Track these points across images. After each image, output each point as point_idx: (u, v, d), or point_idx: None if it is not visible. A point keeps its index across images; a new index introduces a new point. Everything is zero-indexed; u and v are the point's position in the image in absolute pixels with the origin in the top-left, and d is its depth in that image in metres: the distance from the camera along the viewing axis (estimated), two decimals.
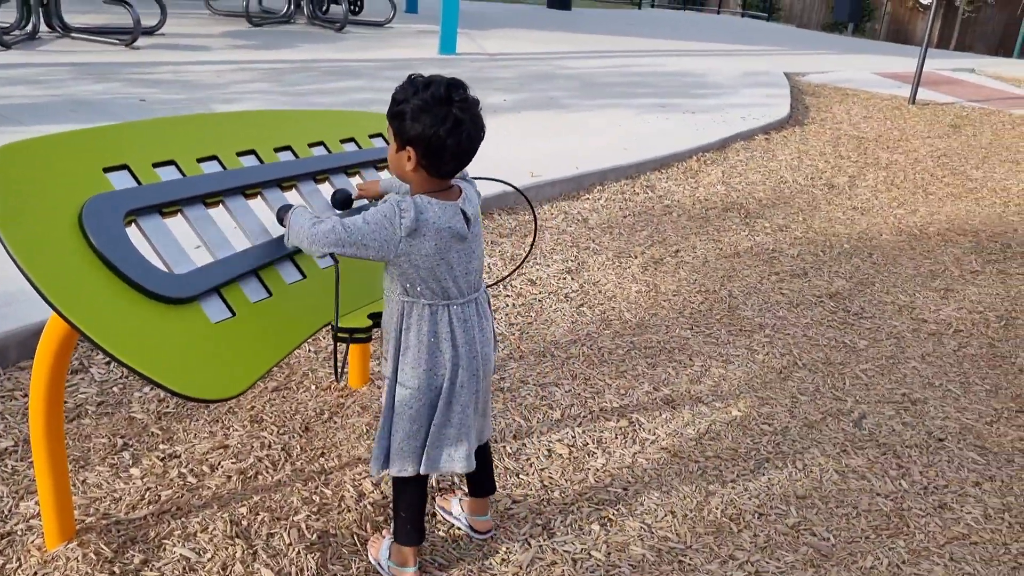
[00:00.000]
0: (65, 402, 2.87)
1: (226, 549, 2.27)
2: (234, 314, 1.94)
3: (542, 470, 2.78)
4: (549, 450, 2.89)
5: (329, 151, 2.50)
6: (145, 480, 2.53)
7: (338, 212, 2.26)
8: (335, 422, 2.91)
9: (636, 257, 4.72)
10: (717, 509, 2.66)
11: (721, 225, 5.40)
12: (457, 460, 2.09)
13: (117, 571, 2.16)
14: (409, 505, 2.15)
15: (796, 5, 32.50)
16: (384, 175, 2.56)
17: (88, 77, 7.18)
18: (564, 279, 4.33)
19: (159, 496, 2.46)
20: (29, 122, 5.58)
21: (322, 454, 2.73)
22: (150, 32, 9.68)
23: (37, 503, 2.37)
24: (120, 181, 1.96)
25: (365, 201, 2.38)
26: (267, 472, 2.61)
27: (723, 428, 3.13)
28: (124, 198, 1.90)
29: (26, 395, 2.88)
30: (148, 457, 2.64)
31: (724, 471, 2.87)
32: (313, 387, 3.11)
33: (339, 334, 2.14)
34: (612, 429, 3.06)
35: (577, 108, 8.00)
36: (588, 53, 11.83)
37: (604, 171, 5.95)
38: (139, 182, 1.98)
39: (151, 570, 2.18)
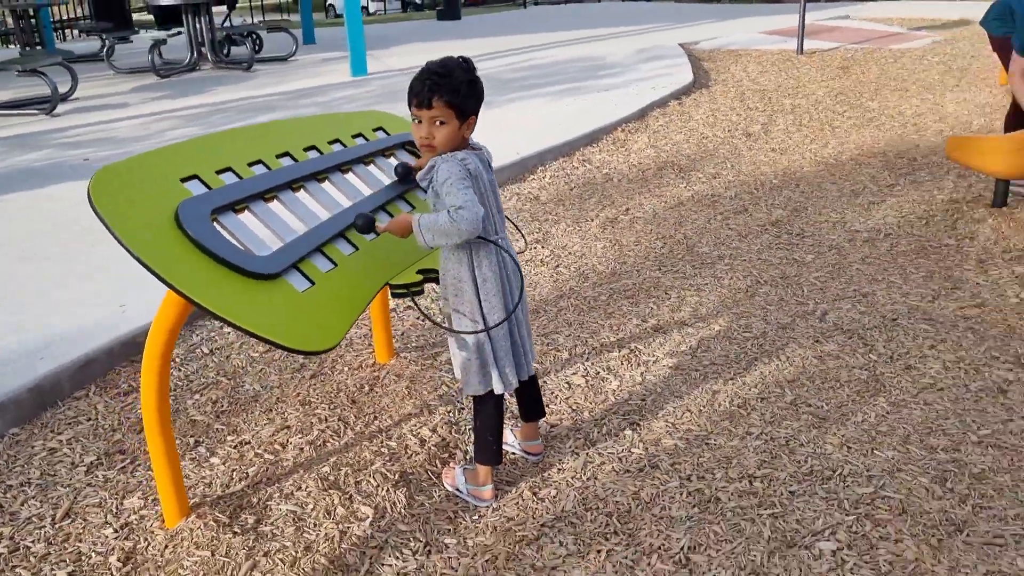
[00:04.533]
0: (128, 417, 3.13)
1: (324, 499, 2.59)
2: (313, 283, 2.27)
3: (567, 399, 3.15)
4: (568, 383, 3.27)
5: (344, 146, 2.83)
6: (227, 465, 2.82)
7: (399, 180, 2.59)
8: (377, 392, 3.23)
9: (592, 220, 5.13)
10: (726, 401, 3.08)
11: (660, 182, 5.85)
12: (524, 370, 2.48)
13: (238, 530, 2.46)
14: (493, 427, 2.51)
15: None
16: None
17: (24, 148, 7.29)
18: (535, 249, 4.71)
19: (246, 474, 2.76)
20: None
21: (375, 418, 3.05)
22: (64, 98, 9.74)
23: (140, 497, 2.65)
24: (195, 188, 2.27)
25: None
26: (333, 439, 2.93)
27: (711, 342, 3.56)
28: (206, 200, 2.21)
29: (89, 419, 3.13)
30: (222, 447, 2.92)
31: (722, 373, 3.29)
32: (346, 368, 3.43)
33: (397, 290, 2.48)
34: (616, 358, 3.45)
35: (495, 104, 8.40)
36: (490, 54, 12.25)
37: (543, 152, 6.36)
38: (209, 187, 2.30)
39: (266, 525, 2.48)
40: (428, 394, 3.19)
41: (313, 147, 2.72)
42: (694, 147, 6.71)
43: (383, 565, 2.33)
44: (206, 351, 3.63)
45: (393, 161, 2.97)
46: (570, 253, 4.63)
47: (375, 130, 3.02)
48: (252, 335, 2.01)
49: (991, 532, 2.35)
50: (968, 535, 2.34)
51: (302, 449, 2.88)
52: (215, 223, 2.23)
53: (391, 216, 2.71)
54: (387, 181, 2.88)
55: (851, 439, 2.81)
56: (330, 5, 33.27)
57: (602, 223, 5.07)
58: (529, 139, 6.66)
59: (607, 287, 4.17)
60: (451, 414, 3.04)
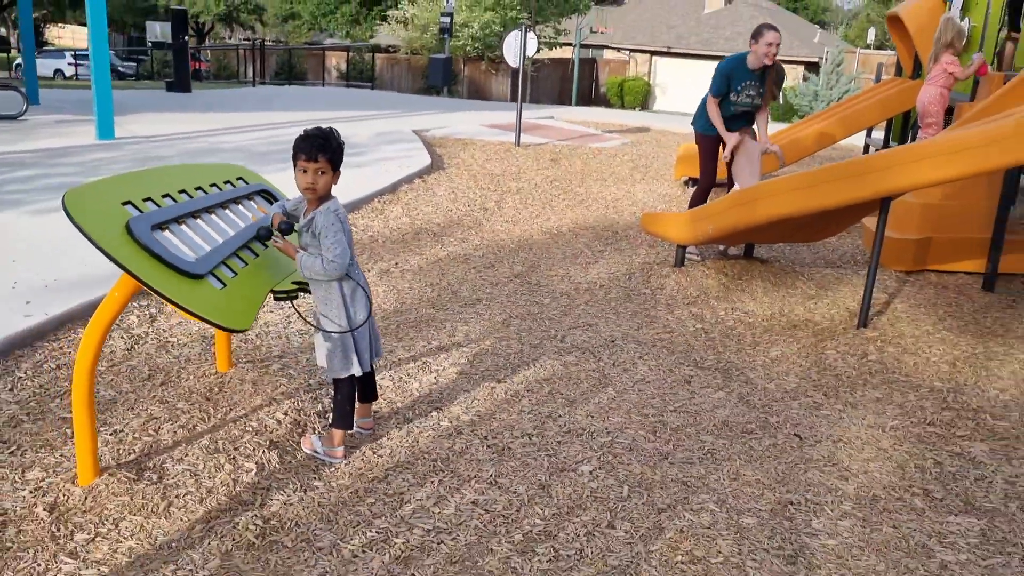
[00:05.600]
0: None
1: (212, 460, 3.28)
2: (225, 285, 3.04)
3: (382, 395, 4.04)
4: (380, 386, 4.16)
5: (220, 189, 3.61)
6: (110, 446, 3.40)
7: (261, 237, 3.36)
8: (226, 392, 3.93)
9: (369, 271, 6.06)
10: (502, 392, 4.13)
11: (418, 244, 6.92)
12: (374, 357, 3.37)
13: (146, 483, 3.10)
14: (350, 398, 3.36)
15: (386, 75, 35.61)
16: (274, 207, 3.63)
17: None
18: None
19: (133, 450, 3.37)
20: None
21: (231, 409, 3.76)
22: None
23: (40, 470, 3.17)
24: (131, 210, 2.98)
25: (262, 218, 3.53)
26: (201, 423, 3.60)
27: (483, 356, 4.61)
28: (146, 219, 2.93)
29: None
30: (100, 436, 3.48)
31: (495, 375, 4.34)
32: (191, 377, 4.08)
33: (278, 295, 3.30)
34: (413, 368, 4.39)
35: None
36: (237, 128, 12.82)
37: None
38: (140, 210, 3.01)
39: (169, 479, 3.14)
40: (272, 391, 3.94)
41: (200, 188, 3.47)
42: (442, 217, 7.88)
43: (272, 500, 3.09)
44: (53, 366, 4.10)
45: (254, 205, 3.77)
46: None
47: (237, 179, 3.82)
48: (195, 315, 2.76)
49: (683, 457, 3.56)
50: (671, 459, 3.54)
51: (176, 432, 3.53)
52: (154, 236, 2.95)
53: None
54: (251, 217, 3.68)
55: (593, 412, 3.96)
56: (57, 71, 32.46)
57: (378, 273, 6.02)
58: None
59: (394, 319, 5.11)
60: (296, 404, 3.82)
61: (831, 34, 40.65)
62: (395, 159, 10.32)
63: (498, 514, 3.08)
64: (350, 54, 34.01)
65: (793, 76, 32.85)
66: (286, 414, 3.72)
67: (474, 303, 5.52)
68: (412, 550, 2.85)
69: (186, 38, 18.83)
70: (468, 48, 31.29)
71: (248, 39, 42.74)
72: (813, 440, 3.84)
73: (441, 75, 20.87)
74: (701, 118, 6.80)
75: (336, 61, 35.33)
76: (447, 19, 21.68)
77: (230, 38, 50.95)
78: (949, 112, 7.93)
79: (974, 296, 6.27)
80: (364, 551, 2.83)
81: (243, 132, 12.37)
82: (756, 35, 6.37)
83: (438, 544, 2.89)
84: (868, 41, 38.87)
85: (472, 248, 6.88)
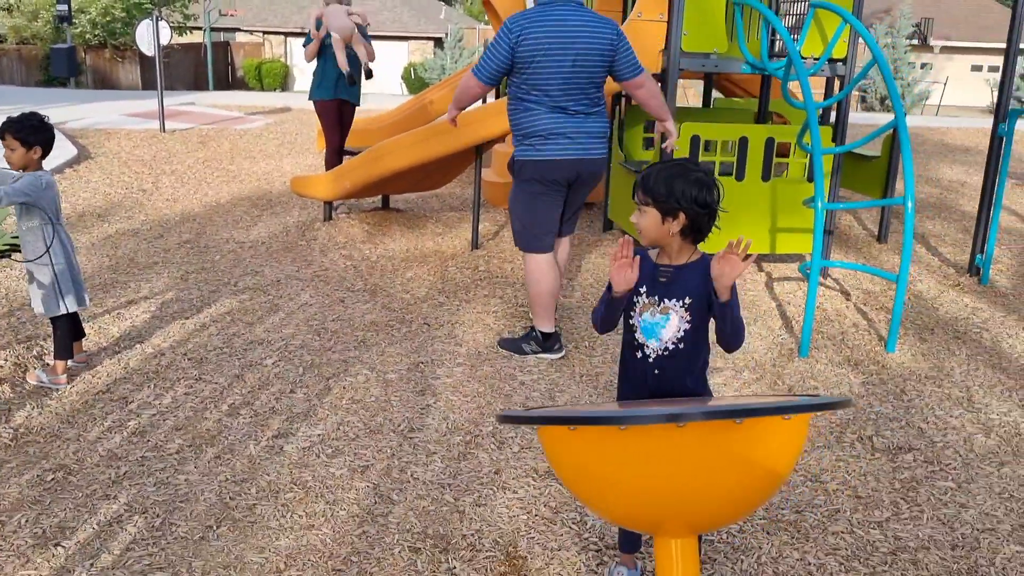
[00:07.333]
0: None
1: None
2: None
3: (86, 341, 4.80)
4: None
5: None
6: None
7: None
8: None
9: None
10: (192, 325, 5.07)
11: (84, 225, 7.43)
12: (83, 301, 4.20)
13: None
14: (68, 333, 4.15)
15: None
16: None
17: None
18: (11, 267, 6.04)
19: None
20: None
21: None
22: None
23: None
24: None
25: None
26: None
27: (169, 303, 5.48)
28: None
29: None
30: None
31: (183, 314, 5.25)
32: None
33: None
34: (109, 318, 5.17)
35: None
36: None
37: None
38: None
39: None
40: None
41: None
42: (102, 200, 8.38)
43: (15, 416, 3.85)
44: None
45: None
46: None
47: None
48: None
49: (343, 347, 4.78)
50: (333, 350, 4.74)
51: None
52: None
53: None
54: None
55: (269, 328, 5.05)
56: None
57: None
58: None
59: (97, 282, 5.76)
60: (12, 353, 4.49)
61: (456, 10, 43.50)
62: None
63: (207, 397, 4.10)
64: None
65: (422, 52, 35.05)
66: (6, 360, 4.41)
67: (151, 266, 6.30)
68: (144, 427, 3.80)
69: None
70: (88, 36, 29.81)
71: None
72: (438, 325, 5.23)
73: (66, 65, 20.09)
74: (317, 89, 7.92)
75: None
76: (64, 6, 20.79)
77: None
78: None
79: None
80: (105, 434, 3.73)
81: None
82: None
83: (164, 421, 3.86)
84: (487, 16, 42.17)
85: (139, 224, 7.54)
